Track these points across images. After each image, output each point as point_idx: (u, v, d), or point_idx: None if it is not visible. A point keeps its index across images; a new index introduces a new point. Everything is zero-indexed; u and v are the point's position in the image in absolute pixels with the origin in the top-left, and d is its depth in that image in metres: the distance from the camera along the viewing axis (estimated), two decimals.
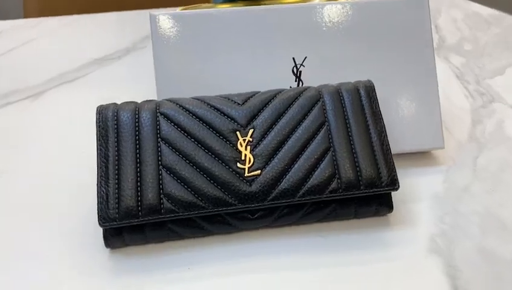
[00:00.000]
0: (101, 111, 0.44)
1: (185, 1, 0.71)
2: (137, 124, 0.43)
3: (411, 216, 0.45)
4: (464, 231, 0.44)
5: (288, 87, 0.49)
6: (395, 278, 0.40)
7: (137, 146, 0.42)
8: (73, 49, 0.77)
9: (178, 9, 0.53)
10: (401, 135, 0.49)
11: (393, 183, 0.42)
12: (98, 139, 0.42)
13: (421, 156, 0.52)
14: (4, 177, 0.52)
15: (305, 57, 0.50)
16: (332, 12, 0.50)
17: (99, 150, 0.42)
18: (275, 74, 0.50)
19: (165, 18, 0.48)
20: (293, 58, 0.50)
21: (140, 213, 0.40)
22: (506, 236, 0.43)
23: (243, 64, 0.50)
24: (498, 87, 0.63)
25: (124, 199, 0.40)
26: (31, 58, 0.75)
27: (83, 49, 0.77)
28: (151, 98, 0.46)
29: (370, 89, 0.46)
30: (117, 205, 0.40)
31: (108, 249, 0.42)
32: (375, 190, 0.42)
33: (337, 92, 0.45)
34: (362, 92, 0.45)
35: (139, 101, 0.45)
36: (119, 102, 0.45)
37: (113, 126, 0.43)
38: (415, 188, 0.48)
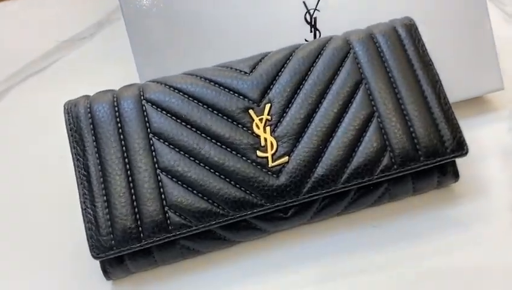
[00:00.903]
0: (70, 109, 0.33)
1: None
2: (118, 118, 0.33)
3: (481, 182, 0.36)
4: None
5: (304, 41, 0.38)
6: (475, 268, 0.31)
7: (124, 148, 0.32)
8: (36, 34, 0.65)
9: None
10: (451, 81, 0.39)
11: (461, 147, 0.32)
12: (71, 147, 0.32)
13: (476, 102, 0.42)
14: None
15: None
16: None
17: (75, 160, 0.32)
18: (283, 25, 0.39)
19: None
20: (304, 2, 0.39)
21: (142, 234, 0.31)
22: None
23: (241, 17, 0.39)
24: None
25: (118, 219, 0.31)
26: None
27: (47, 32, 0.65)
28: (134, 81, 0.36)
29: (411, 28, 0.35)
30: (111, 229, 0.31)
31: (111, 282, 0.34)
32: (439, 159, 0.32)
33: (370, 38, 0.35)
34: (402, 33, 0.35)
35: (117, 88, 0.35)
36: (98, 90, 0.35)
37: (88, 126, 0.33)
38: (478, 143, 0.38)
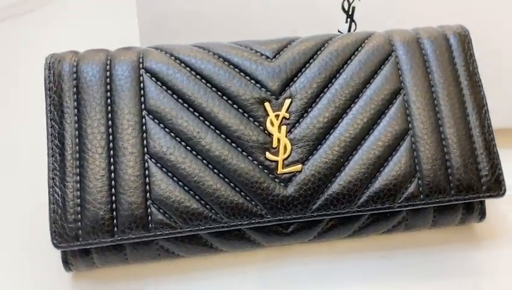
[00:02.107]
0: (52, 64, 0.28)
1: None
2: (109, 86, 0.27)
3: (508, 225, 0.32)
4: None
5: (337, 32, 0.33)
6: None
7: (110, 122, 0.27)
8: None
9: None
10: (496, 107, 0.34)
11: (498, 187, 0.28)
12: (47, 111, 0.27)
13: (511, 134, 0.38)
14: None
15: None
16: None
17: (50, 126, 0.27)
18: (315, 9, 0.33)
19: None
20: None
21: (116, 228, 0.26)
22: None
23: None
24: None
25: (90, 206, 0.26)
26: None
27: None
28: (132, 45, 0.30)
29: (465, 38, 0.30)
30: (79, 216, 0.26)
31: (71, 274, 0.29)
32: (472, 195, 0.28)
33: (417, 42, 0.30)
34: (454, 44, 0.30)
35: (113, 49, 0.29)
36: (89, 47, 0.29)
37: (70, 89, 0.27)
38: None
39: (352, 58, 0.29)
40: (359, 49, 0.29)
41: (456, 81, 0.29)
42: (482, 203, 0.30)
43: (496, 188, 0.28)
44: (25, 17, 0.48)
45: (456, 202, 0.28)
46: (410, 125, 0.28)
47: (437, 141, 0.28)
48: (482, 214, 0.30)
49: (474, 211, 0.30)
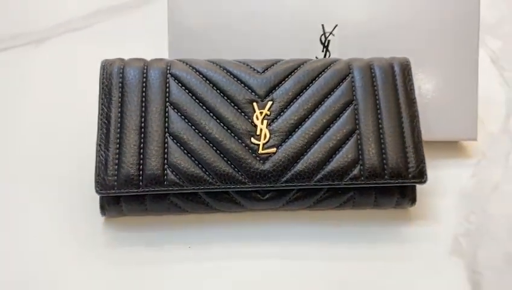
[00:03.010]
0: (106, 66, 0.39)
1: None
2: (144, 84, 0.38)
3: (434, 212, 0.42)
4: (490, 233, 0.40)
5: (314, 58, 0.44)
6: (412, 278, 0.37)
7: (143, 108, 0.38)
8: None
9: None
10: (431, 122, 0.44)
11: (421, 176, 0.38)
12: (100, 98, 0.38)
13: (450, 147, 0.48)
14: (4, 124, 0.48)
15: (336, 25, 0.45)
16: None
17: (100, 109, 0.38)
18: (300, 40, 0.45)
19: None
20: (322, 25, 0.45)
21: (141, 183, 0.36)
22: None
23: (266, 27, 0.45)
24: None
25: (124, 165, 0.36)
26: (35, 2, 0.70)
27: None
28: (162, 54, 0.42)
29: (406, 67, 0.41)
30: (116, 172, 0.36)
31: (104, 218, 0.39)
32: (401, 181, 0.38)
33: (369, 68, 0.40)
34: (397, 70, 0.40)
35: (148, 59, 0.41)
36: (126, 57, 0.41)
37: (117, 84, 0.38)
38: (441, 180, 0.44)
39: (319, 76, 0.40)
40: (325, 70, 0.40)
41: (396, 98, 0.39)
42: (414, 191, 0.40)
43: (419, 176, 0.38)
44: (81, 32, 0.61)
45: (389, 185, 0.38)
46: (357, 126, 0.38)
47: (377, 139, 0.38)
48: (413, 200, 0.40)
49: (407, 196, 0.39)
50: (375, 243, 0.39)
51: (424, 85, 0.45)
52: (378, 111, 0.39)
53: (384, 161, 0.38)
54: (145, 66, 0.39)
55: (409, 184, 0.38)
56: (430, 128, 0.44)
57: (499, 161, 0.47)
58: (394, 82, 0.40)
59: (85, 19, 0.64)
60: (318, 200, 0.39)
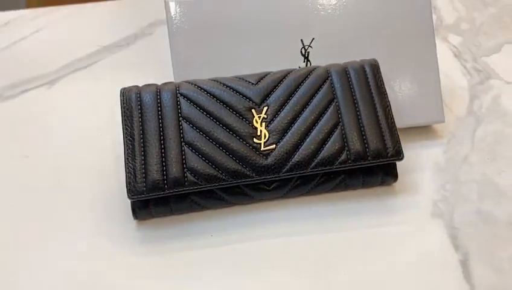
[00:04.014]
0: (125, 93, 0.47)
1: None
2: (159, 104, 0.46)
3: (414, 185, 0.49)
4: (463, 196, 0.48)
5: (298, 67, 0.52)
6: (402, 239, 0.44)
7: (161, 125, 0.45)
8: (82, 38, 0.72)
9: None
10: (404, 111, 0.52)
11: (398, 154, 0.45)
12: (123, 119, 0.45)
13: (423, 130, 0.55)
14: (28, 161, 0.53)
15: (313, 39, 0.53)
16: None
17: (125, 129, 0.45)
18: (285, 55, 0.53)
19: (179, 4, 0.51)
20: (301, 40, 0.53)
21: (166, 186, 0.43)
22: (501, 200, 0.47)
23: (255, 46, 0.52)
24: (494, 65, 0.65)
25: (150, 173, 0.43)
26: (41, 47, 0.72)
27: (91, 38, 0.72)
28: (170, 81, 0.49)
29: (375, 67, 0.49)
30: (144, 179, 0.43)
31: (136, 221, 0.46)
32: (382, 160, 0.45)
33: (344, 71, 0.48)
34: (368, 70, 0.48)
35: (159, 83, 0.48)
36: (131, 84, 0.48)
37: (136, 107, 0.46)
38: (418, 159, 0.51)
39: (304, 82, 0.47)
40: (308, 76, 0.47)
41: (369, 92, 0.47)
42: (395, 169, 0.47)
43: (397, 155, 0.45)
44: (86, 69, 0.67)
45: (372, 165, 0.45)
46: (340, 120, 0.46)
47: (358, 128, 0.45)
48: (395, 176, 0.47)
49: (389, 174, 0.47)
50: (366, 214, 0.46)
51: (394, 82, 0.52)
52: (356, 105, 0.47)
53: (366, 145, 0.45)
54: (157, 90, 0.47)
55: (389, 162, 0.46)
56: (405, 117, 0.52)
57: (466, 138, 0.55)
58: (366, 80, 0.48)
59: (89, 57, 0.71)
60: (315, 185, 0.46)
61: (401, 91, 0.53)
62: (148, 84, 0.48)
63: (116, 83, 0.52)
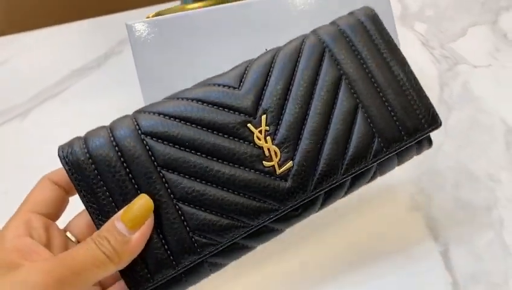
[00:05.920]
0: (67, 155, 0.32)
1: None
2: (122, 159, 0.32)
3: (391, 180, 0.47)
4: (439, 186, 0.47)
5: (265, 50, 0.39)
6: (382, 231, 0.44)
7: (136, 186, 0.32)
8: (51, 63, 0.68)
9: (151, 15, 0.48)
10: None
11: (435, 120, 0.36)
12: (81, 196, 0.32)
13: None
14: (7, 197, 0.51)
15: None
16: (297, 2, 0.47)
17: (89, 207, 0.32)
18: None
19: (140, 26, 0.46)
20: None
21: (174, 262, 0.32)
22: (477, 186, 0.48)
23: (222, 61, 0.43)
24: (460, 49, 0.64)
25: (148, 255, 0.32)
26: (10, 77, 0.67)
27: (60, 62, 0.69)
28: (138, 101, 0.42)
29: (375, 17, 0.38)
30: (144, 265, 0.32)
31: None
32: (420, 134, 0.36)
33: (341, 34, 0.37)
34: (368, 25, 0.37)
35: (128, 109, 0.35)
36: (106, 107, 0.43)
37: (92, 172, 0.32)
38: None
39: (299, 60, 0.35)
40: (301, 51, 0.36)
41: (379, 52, 0.37)
42: (428, 135, 0.39)
43: (434, 122, 0.36)
44: (58, 96, 0.63)
45: (410, 144, 0.36)
46: (357, 100, 0.36)
47: (381, 104, 0.36)
48: (430, 142, 0.39)
49: (424, 142, 0.38)
50: (346, 210, 0.46)
51: None
52: (370, 74, 0.36)
53: (397, 123, 0.36)
54: (110, 135, 0.33)
55: (428, 133, 0.37)
56: None
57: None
58: (371, 38, 0.37)
59: (59, 84, 0.64)
60: (348, 187, 0.37)
61: None
62: (94, 130, 0.34)
63: (90, 106, 0.55)
